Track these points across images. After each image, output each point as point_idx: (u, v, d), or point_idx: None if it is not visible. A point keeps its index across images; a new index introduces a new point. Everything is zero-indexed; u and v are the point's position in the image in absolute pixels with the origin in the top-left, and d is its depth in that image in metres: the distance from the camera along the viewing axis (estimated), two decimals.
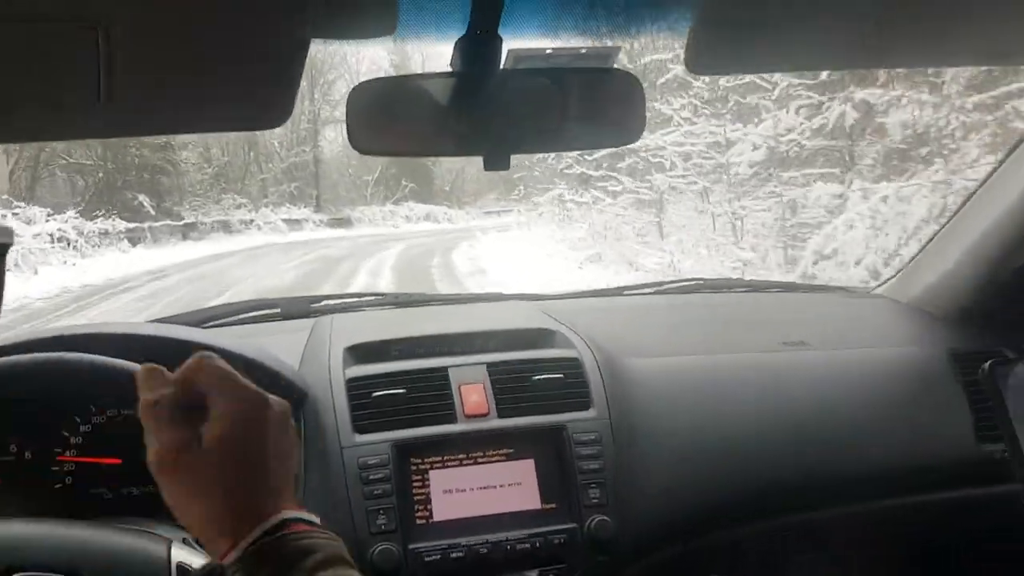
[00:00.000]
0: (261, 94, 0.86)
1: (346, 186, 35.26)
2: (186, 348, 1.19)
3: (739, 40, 0.91)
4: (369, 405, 1.22)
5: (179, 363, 1.08)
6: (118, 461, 1.17)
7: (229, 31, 0.77)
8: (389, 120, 0.93)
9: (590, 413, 1.26)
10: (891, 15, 0.84)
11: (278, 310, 1.65)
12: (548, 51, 1.00)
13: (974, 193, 1.55)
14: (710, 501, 1.28)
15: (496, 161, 0.94)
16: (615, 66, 0.94)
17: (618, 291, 1.99)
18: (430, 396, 1.24)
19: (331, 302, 1.69)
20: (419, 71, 0.95)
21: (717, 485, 1.30)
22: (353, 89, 0.91)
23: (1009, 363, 1.15)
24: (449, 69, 0.94)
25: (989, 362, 1.16)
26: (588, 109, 0.94)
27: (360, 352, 1.34)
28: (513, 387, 1.27)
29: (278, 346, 1.34)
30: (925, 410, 1.42)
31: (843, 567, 1.44)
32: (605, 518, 1.18)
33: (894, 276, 1.83)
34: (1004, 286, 1.49)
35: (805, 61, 1.06)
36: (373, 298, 1.77)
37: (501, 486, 1.20)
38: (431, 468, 1.19)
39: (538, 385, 1.27)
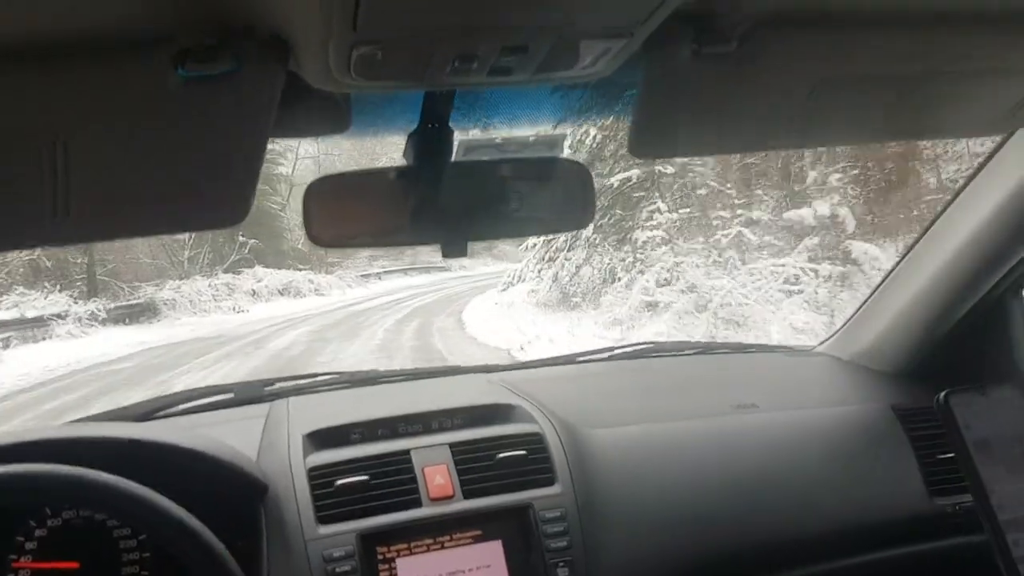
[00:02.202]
0: (221, 193, 0.87)
1: (145, 249, 22.56)
2: (139, 446, 1.17)
3: (675, 128, 0.96)
4: (332, 495, 1.20)
5: (132, 462, 1.05)
6: (76, 565, 1.13)
7: (188, 138, 0.78)
8: (346, 213, 0.95)
9: (555, 489, 1.26)
10: (825, 98, 0.90)
11: (231, 395, 1.62)
12: (498, 139, 1.04)
13: (910, 250, 1.63)
14: (677, 570, 1.29)
15: (453, 247, 0.96)
16: (563, 154, 0.98)
17: (572, 358, 2.01)
18: (394, 481, 1.23)
19: (285, 384, 1.67)
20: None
21: (682, 553, 1.31)
22: (310, 184, 0.93)
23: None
24: (403, 161, 0.97)
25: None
26: (539, 196, 0.97)
27: (320, 438, 1.33)
28: (477, 467, 1.27)
29: (234, 435, 1.31)
30: (876, 467, 1.46)
31: None
32: None
33: (835, 334, 1.89)
34: (941, 341, 1.56)
35: (744, 144, 1.12)
36: (328, 378, 1.75)
37: (470, 570, 1.18)
38: (398, 556, 1.17)
39: (502, 463, 1.27)
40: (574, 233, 11.82)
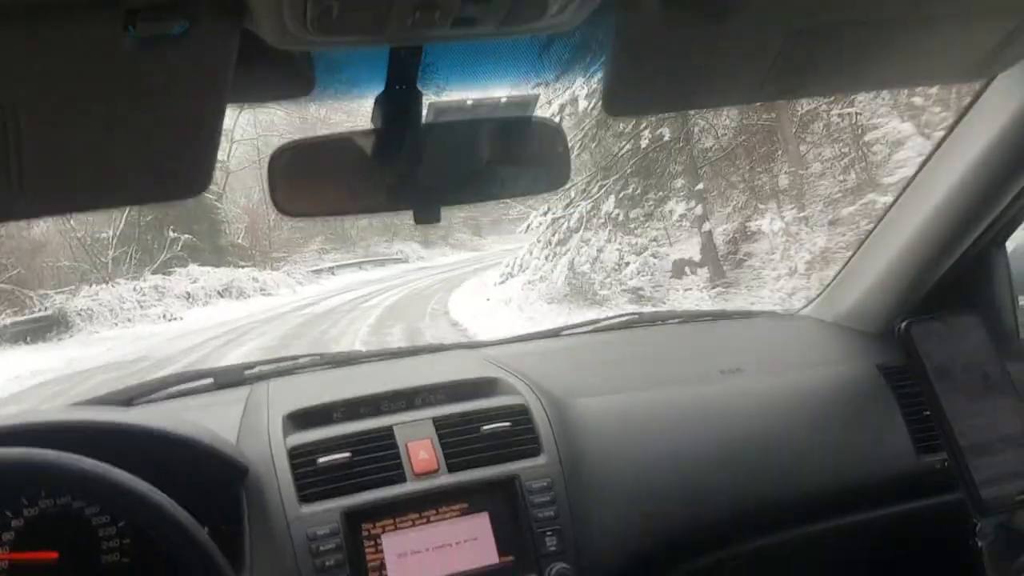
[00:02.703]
0: (181, 162, 0.84)
1: (63, 249, 19.49)
2: (117, 431, 1.14)
3: (653, 82, 0.94)
4: (314, 473, 1.18)
5: (111, 448, 1.03)
6: (55, 555, 1.10)
7: (143, 103, 0.75)
8: (313, 181, 0.92)
9: (541, 460, 1.25)
10: (799, 49, 0.88)
11: (211, 380, 1.59)
12: (469, 102, 1.01)
13: (890, 209, 1.62)
14: (666, 536, 1.28)
15: (426, 214, 0.94)
16: (536, 113, 0.95)
17: (556, 332, 2.00)
18: (377, 458, 1.21)
19: (265, 367, 1.64)
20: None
21: (671, 520, 1.30)
22: (274, 152, 0.90)
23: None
24: (371, 126, 0.93)
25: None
26: (513, 158, 0.95)
27: (300, 419, 1.30)
28: (461, 440, 1.25)
29: (213, 419, 1.29)
30: (862, 427, 1.45)
31: None
32: (564, 565, 1.16)
33: (818, 296, 1.89)
34: (925, 298, 1.55)
35: (719, 99, 1.09)
36: (309, 359, 1.73)
37: (457, 543, 1.17)
38: (383, 532, 1.16)
39: (487, 436, 1.25)
40: (591, 208, 10.66)
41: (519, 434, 1.27)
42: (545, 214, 11.68)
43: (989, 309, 1.53)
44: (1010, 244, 1.53)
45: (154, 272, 19.39)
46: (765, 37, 0.87)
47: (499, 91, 1.03)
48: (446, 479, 1.20)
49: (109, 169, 0.81)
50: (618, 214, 10.68)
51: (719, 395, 1.48)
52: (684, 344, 1.79)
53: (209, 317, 16.08)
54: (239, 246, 23.59)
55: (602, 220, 10.86)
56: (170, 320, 16.51)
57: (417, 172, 0.93)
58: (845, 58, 0.94)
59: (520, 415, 1.30)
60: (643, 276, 10.58)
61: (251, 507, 1.17)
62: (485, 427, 1.26)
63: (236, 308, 17.46)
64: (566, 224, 11.30)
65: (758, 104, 8.57)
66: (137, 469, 1.00)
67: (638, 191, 10.74)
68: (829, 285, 1.84)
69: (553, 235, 11.64)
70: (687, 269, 10.71)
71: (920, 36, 0.93)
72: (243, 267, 21.64)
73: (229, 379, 1.58)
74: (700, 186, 10.40)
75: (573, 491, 1.23)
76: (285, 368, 1.64)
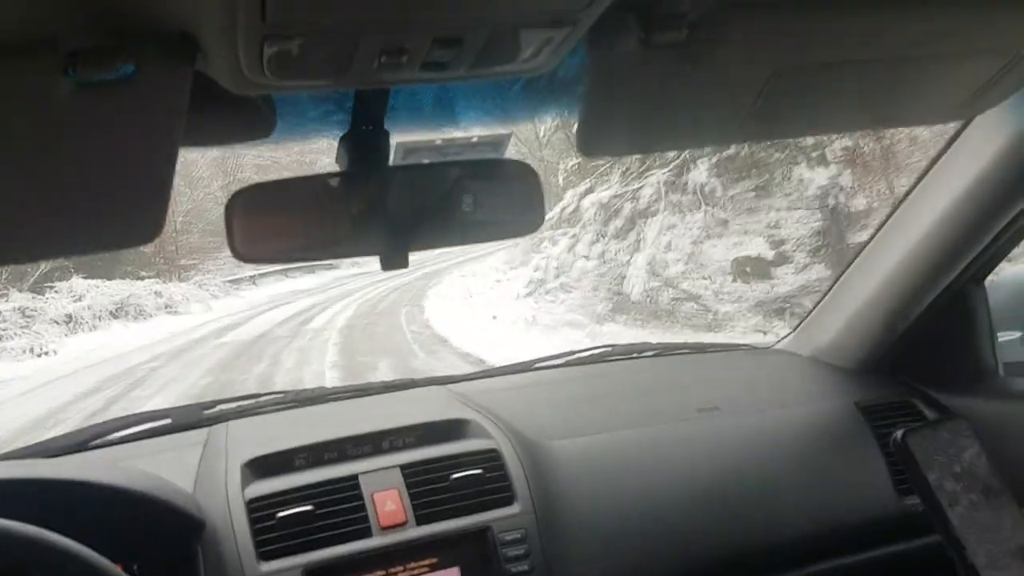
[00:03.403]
0: (131, 208, 0.79)
1: None
2: (55, 488, 1.07)
3: (628, 123, 0.90)
4: (274, 528, 1.12)
5: (48, 505, 0.96)
6: None
7: (89, 149, 0.70)
8: (273, 225, 0.87)
9: (514, 509, 1.20)
10: (780, 91, 0.85)
11: (168, 421, 1.53)
12: (438, 141, 0.97)
13: (868, 243, 1.60)
14: None
15: (394, 259, 0.89)
16: (507, 156, 0.92)
17: (530, 365, 1.95)
18: (341, 510, 1.15)
19: (226, 407, 1.58)
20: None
21: (649, 567, 1.26)
22: (232, 196, 0.85)
23: (919, 431, 1.15)
24: (336, 168, 0.89)
25: (900, 432, 1.16)
26: (484, 201, 0.91)
27: (260, 466, 1.24)
28: (431, 489, 1.20)
29: (169, 467, 1.22)
30: (842, 467, 1.42)
31: None
32: None
33: (795, 330, 1.86)
34: (904, 335, 1.53)
35: (697, 139, 1.07)
36: (271, 398, 1.66)
37: None
38: None
39: (457, 484, 1.20)
40: (670, 178, 7.84)
41: (491, 481, 1.22)
42: (588, 192, 8.54)
43: (969, 346, 1.52)
44: (989, 280, 1.52)
45: (27, 289, 14.84)
46: (745, 78, 0.84)
47: (470, 131, 0.99)
48: (414, 532, 1.15)
49: (54, 218, 0.76)
50: (713, 187, 7.41)
51: (696, 435, 1.45)
52: (659, 380, 1.75)
53: (95, 347, 12.43)
54: (138, 252, 18.31)
55: (689, 196, 7.60)
56: (39, 355, 12.48)
57: (384, 215, 0.89)
58: (827, 99, 0.91)
59: (493, 460, 1.25)
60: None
61: (207, 564, 1.10)
62: (455, 474, 1.21)
63: (132, 333, 13.82)
64: (631, 205, 7.98)
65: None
66: (81, 526, 0.94)
67: (744, 151, 7.27)
68: (806, 319, 1.82)
69: (607, 222, 8.16)
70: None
71: (903, 77, 0.91)
72: (143, 278, 17.73)
73: (187, 420, 1.52)
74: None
75: (548, 541, 1.18)
76: (247, 408, 1.58)
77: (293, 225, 0.87)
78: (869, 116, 1.01)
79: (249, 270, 21.63)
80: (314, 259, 0.92)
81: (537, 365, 1.94)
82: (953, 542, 1.03)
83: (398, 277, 17.32)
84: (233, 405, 1.59)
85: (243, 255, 0.84)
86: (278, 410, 1.59)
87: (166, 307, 16.85)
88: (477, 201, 0.90)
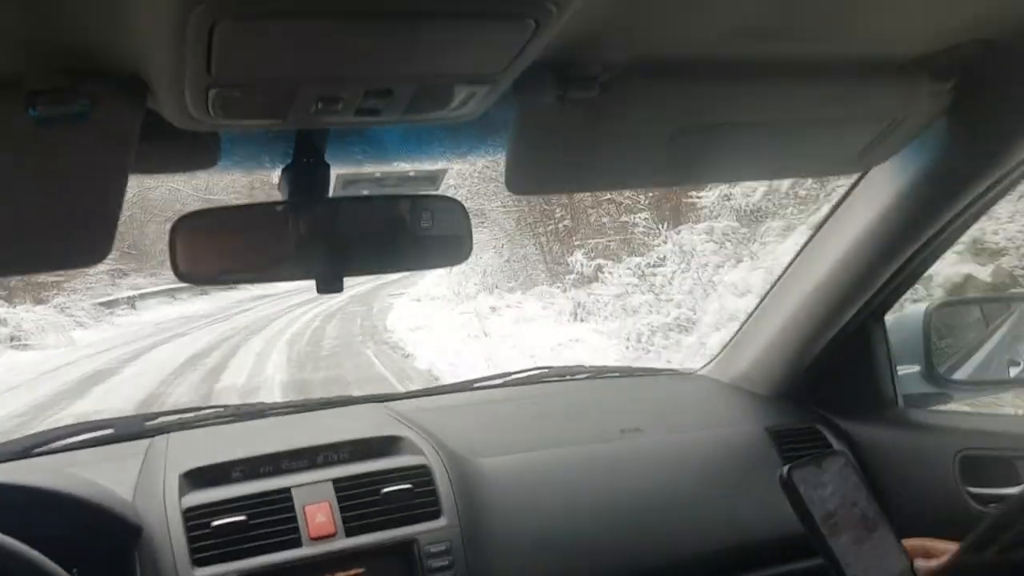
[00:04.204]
0: (80, 232, 0.84)
1: None
2: (5, 491, 1.10)
3: (551, 165, 0.99)
4: (209, 536, 1.16)
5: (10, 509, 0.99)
6: None
7: (44, 177, 0.76)
8: (215, 250, 0.92)
9: (440, 522, 1.26)
10: (684, 145, 0.94)
11: (111, 431, 1.55)
12: (377, 174, 1.04)
13: (781, 277, 1.71)
14: None
15: (329, 284, 0.95)
16: (440, 191, 0.99)
17: (467, 385, 2.02)
18: (273, 521, 1.20)
19: (167, 419, 1.61)
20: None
21: None
22: (178, 219, 0.90)
23: (802, 467, 1.22)
24: (278, 196, 0.95)
25: (785, 468, 1.23)
26: (417, 233, 0.98)
27: (197, 477, 1.28)
28: (361, 503, 1.25)
29: (109, 475, 1.25)
30: (751, 487, 1.51)
31: None
32: None
33: (716, 356, 1.97)
34: (811, 365, 1.64)
35: (616, 183, 1.16)
36: (211, 411, 1.69)
37: None
38: None
39: (387, 498, 1.26)
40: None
41: (420, 495, 1.28)
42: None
43: (870, 377, 1.63)
44: (890, 317, 1.64)
45: None
46: (652, 132, 0.94)
47: (407, 166, 1.07)
48: (343, 543, 1.20)
49: (5, 238, 0.81)
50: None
51: (619, 455, 1.53)
52: (589, 402, 1.83)
53: None
54: None
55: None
56: None
57: (321, 242, 0.95)
58: (729, 153, 1.01)
59: (422, 476, 1.31)
60: None
61: (144, 569, 1.14)
62: (385, 488, 1.27)
63: None
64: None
65: None
66: (20, 529, 0.97)
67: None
68: (726, 346, 1.93)
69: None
70: None
71: (796, 137, 1.01)
72: None
73: (129, 430, 1.54)
74: None
75: (472, 554, 1.25)
76: (187, 420, 1.61)
77: (235, 249, 0.93)
78: (770, 169, 1.12)
79: (126, 291, 18.08)
80: (253, 281, 0.98)
81: (475, 385, 2.01)
82: (835, 571, 1.11)
83: (321, 303, 15.04)
84: (174, 417, 1.62)
85: (185, 275, 0.90)
86: (219, 423, 1.63)
87: (12, 340, 12.38)
88: (409, 234, 0.97)
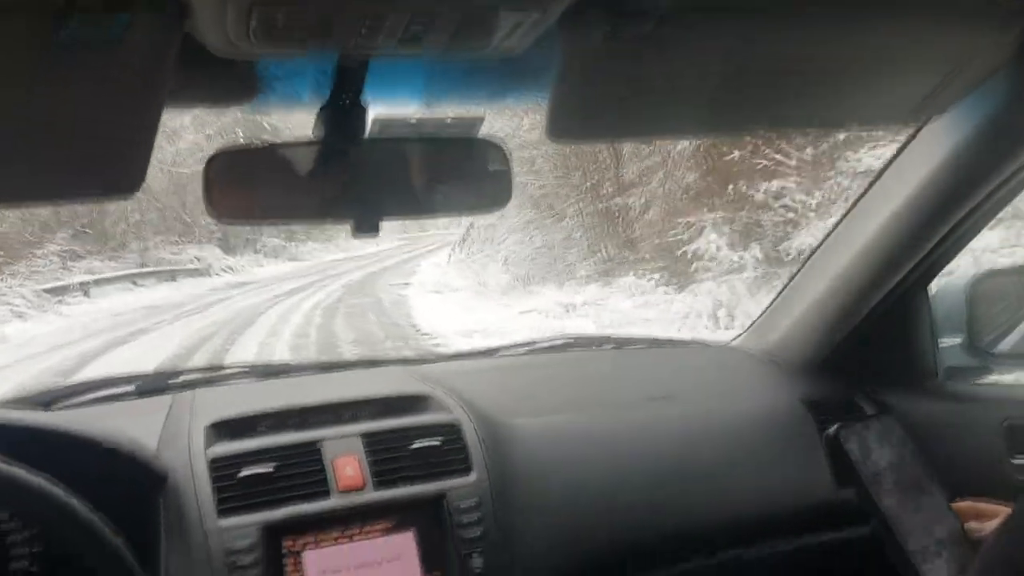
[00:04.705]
0: (113, 162, 0.82)
1: None
2: (27, 431, 1.10)
3: (596, 109, 0.95)
4: (235, 486, 1.15)
5: (21, 448, 0.99)
6: None
7: (76, 102, 0.73)
8: (250, 188, 0.90)
9: (470, 478, 1.24)
10: (734, 89, 0.90)
11: (132, 387, 1.55)
12: (413, 120, 1.01)
13: (820, 245, 1.67)
14: (593, 558, 1.29)
15: (365, 227, 0.93)
16: (481, 135, 0.96)
17: (492, 352, 2.00)
18: (301, 472, 1.19)
19: (191, 376, 1.60)
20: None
21: (598, 541, 1.31)
22: (212, 156, 0.88)
23: (851, 427, 1.20)
24: (312, 137, 0.93)
25: (834, 428, 1.21)
26: (455, 177, 0.95)
27: (224, 429, 1.27)
28: (390, 457, 1.23)
29: (134, 425, 1.25)
30: (784, 457, 1.48)
31: None
32: None
33: (748, 328, 1.93)
34: (850, 336, 1.60)
35: (661, 132, 1.12)
36: (237, 370, 1.69)
37: (380, 562, 1.15)
38: (305, 549, 1.13)
39: (416, 453, 1.24)
40: None
41: (449, 452, 1.26)
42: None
43: (911, 348, 1.59)
44: (933, 287, 1.59)
45: None
46: (704, 74, 0.90)
47: (445, 110, 1.04)
48: (372, 495, 1.19)
49: (38, 165, 0.79)
50: None
51: (647, 420, 1.50)
52: (616, 370, 1.80)
53: None
54: None
55: None
56: None
57: (357, 185, 0.93)
58: (781, 99, 0.97)
59: (451, 433, 1.29)
60: None
61: (168, 517, 1.13)
62: (414, 444, 1.25)
63: None
64: None
65: None
66: (50, 471, 0.96)
67: None
68: (759, 317, 1.89)
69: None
70: None
71: (853, 82, 0.97)
72: None
73: (152, 386, 1.54)
74: None
75: (501, 511, 1.23)
76: (212, 378, 1.60)
77: (270, 188, 0.91)
78: (823, 117, 1.07)
79: (78, 275, 15.64)
80: (288, 223, 0.96)
81: (501, 352, 1.99)
82: (885, 532, 1.08)
83: (312, 293, 13.26)
84: (198, 375, 1.61)
85: (218, 213, 0.88)
86: (242, 381, 1.62)
87: None
88: (447, 176, 0.95)
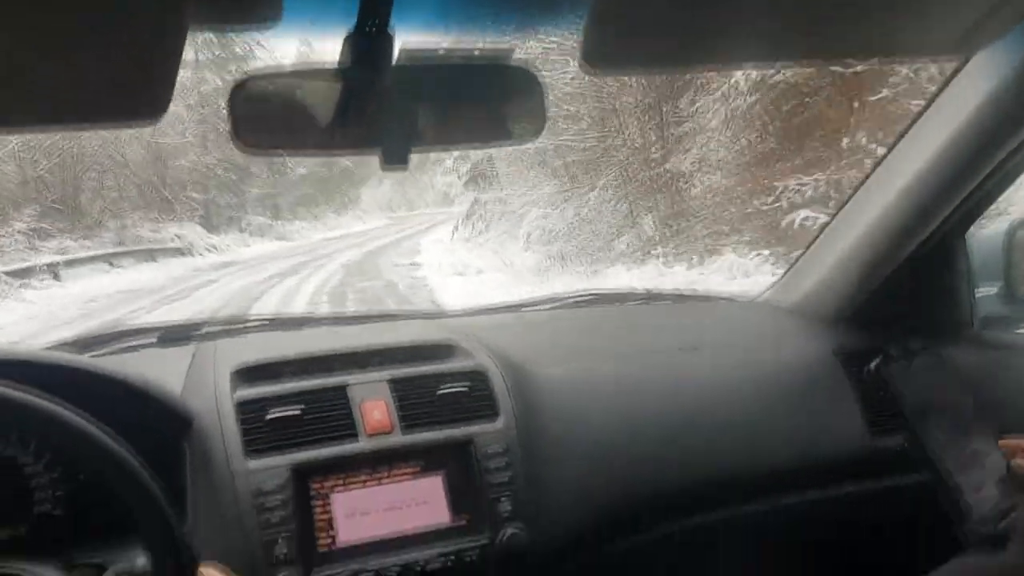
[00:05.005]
0: (137, 85, 0.79)
1: None
2: (53, 368, 1.09)
3: (635, 38, 0.91)
4: (262, 427, 1.14)
5: (51, 386, 0.98)
6: None
7: (97, 20, 0.71)
8: (276, 116, 0.88)
9: (497, 424, 1.23)
10: (793, 6, 0.86)
11: (155, 338, 1.54)
12: (441, 50, 0.98)
13: (849, 199, 1.63)
14: (621, 505, 1.28)
15: (394, 159, 0.90)
16: (513, 62, 0.93)
17: (517, 306, 1.98)
18: (329, 415, 1.18)
19: (213, 327, 1.59)
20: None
21: (626, 489, 1.29)
22: (237, 83, 0.86)
23: (893, 361, 1.18)
24: (337, 61, 0.90)
25: (875, 361, 1.19)
26: (486, 106, 0.92)
27: (249, 374, 1.26)
28: (417, 401, 1.22)
29: (157, 372, 1.24)
30: (816, 407, 1.46)
31: (752, 564, 1.46)
32: (518, 530, 1.15)
33: (776, 283, 1.89)
34: (883, 286, 1.56)
35: (708, 61, 1.08)
36: (259, 321, 1.68)
37: (408, 505, 1.14)
38: (333, 491, 1.13)
39: (443, 398, 1.23)
40: None
41: (476, 398, 1.25)
42: None
43: (947, 298, 1.55)
44: (970, 236, 1.55)
45: None
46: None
47: (475, 40, 1.00)
48: (400, 439, 1.18)
49: (59, 88, 0.77)
50: None
51: (676, 370, 1.48)
52: (643, 322, 1.78)
53: None
54: None
55: None
56: None
57: (385, 115, 0.90)
58: (823, 24, 0.93)
59: (478, 379, 1.28)
60: None
61: (194, 461, 1.13)
62: (441, 389, 1.24)
63: None
64: None
65: None
66: (82, 409, 0.95)
67: None
68: (788, 272, 1.85)
69: None
70: None
71: (898, 6, 0.92)
72: None
73: (175, 336, 1.53)
74: None
75: (529, 456, 1.22)
76: (234, 328, 1.59)
77: (296, 117, 0.88)
78: (866, 46, 1.03)
79: (47, 256, 14.04)
80: (315, 153, 0.93)
81: (525, 307, 1.97)
82: (929, 467, 1.06)
83: (310, 274, 12.09)
84: (220, 326, 1.61)
85: (246, 143, 0.85)
86: (265, 332, 1.61)
87: None
88: (478, 105, 0.92)
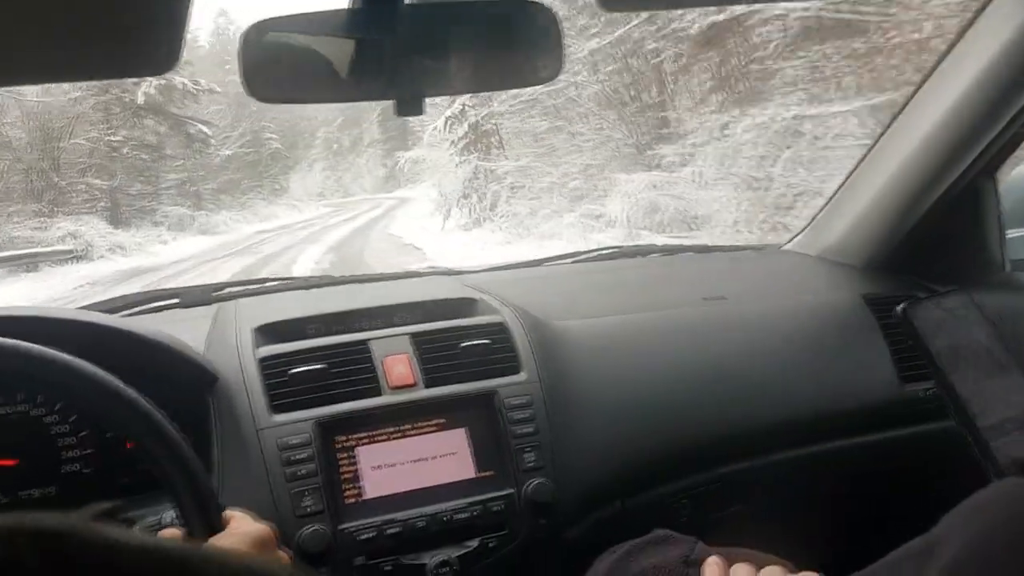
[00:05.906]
0: (142, 37, 0.77)
1: None
2: (79, 327, 1.09)
3: None
4: (286, 383, 1.14)
5: (95, 347, 0.98)
6: (13, 462, 1.06)
7: None
8: (288, 63, 0.86)
9: (520, 377, 1.22)
10: None
11: (177, 300, 1.54)
12: None
13: (875, 144, 1.58)
14: (645, 456, 1.27)
15: (409, 105, 0.88)
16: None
17: (537, 262, 1.96)
18: (352, 370, 1.17)
19: (233, 289, 1.60)
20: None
21: (651, 440, 1.28)
22: (247, 29, 0.84)
23: (921, 303, 1.15)
24: (348, 5, 0.88)
25: (902, 305, 1.16)
26: (502, 46, 0.89)
27: (271, 332, 1.26)
28: (439, 356, 1.22)
29: (180, 332, 1.24)
30: (847, 355, 1.43)
31: (778, 514, 1.45)
32: (543, 481, 1.14)
33: (802, 231, 1.86)
34: (912, 231, 1.53)
35: None
36: (278, 282, 1.67)
37: (434, 458, 1.14)
38: (358, 445, 1.13)
39: (465, 352, 1.22)
40: None
41: (498, 351, 1.24)
42: None
43: (977, 241, 1.52)
44: (1001, 178, 1.50)
45: None
46: None
47: None
48: (423, 393, 1.17)
49: (59, 35, 0.75)
50: None
51: (702, 320, 1.46)
52: (667, 274, 1.76)
53: None
54: None
55: None
56: None
57: (398, 59, 0.88)
58: None
59: (500, 333, 1.27)
60: None
61: (220, 417, 1.13)
62: (463, 343, 1.23)
63: None
64: None
65: None
66: (109, 367, 0.95)
67: None
68: (814, 219, 1.82)
69: None
70: None
71: None
72: None
73: (196, 299, 1.53)
74: None
75: (553, 408, 1.21)
76: (254, 290, 1.59)
77: (306, 64, 0.86)
78: None
79: None
80: (328, 100, 0.91)
81: (545, 263, 1.95)
82: (956, 408, 1.04)
83: (294, 257, 10.81)
84: (239, 288, 1.61)
85: (258, 93, 0.83)
86: (284, 292, 1.61)
87: None
88: (494, 46, 0.89)
